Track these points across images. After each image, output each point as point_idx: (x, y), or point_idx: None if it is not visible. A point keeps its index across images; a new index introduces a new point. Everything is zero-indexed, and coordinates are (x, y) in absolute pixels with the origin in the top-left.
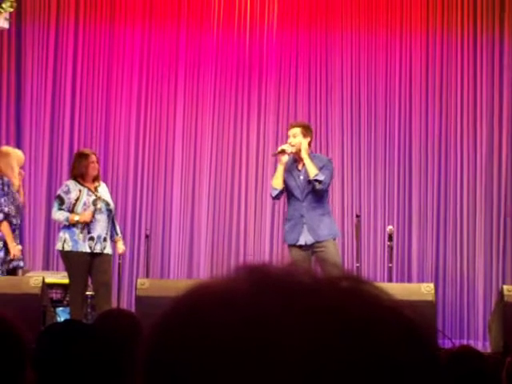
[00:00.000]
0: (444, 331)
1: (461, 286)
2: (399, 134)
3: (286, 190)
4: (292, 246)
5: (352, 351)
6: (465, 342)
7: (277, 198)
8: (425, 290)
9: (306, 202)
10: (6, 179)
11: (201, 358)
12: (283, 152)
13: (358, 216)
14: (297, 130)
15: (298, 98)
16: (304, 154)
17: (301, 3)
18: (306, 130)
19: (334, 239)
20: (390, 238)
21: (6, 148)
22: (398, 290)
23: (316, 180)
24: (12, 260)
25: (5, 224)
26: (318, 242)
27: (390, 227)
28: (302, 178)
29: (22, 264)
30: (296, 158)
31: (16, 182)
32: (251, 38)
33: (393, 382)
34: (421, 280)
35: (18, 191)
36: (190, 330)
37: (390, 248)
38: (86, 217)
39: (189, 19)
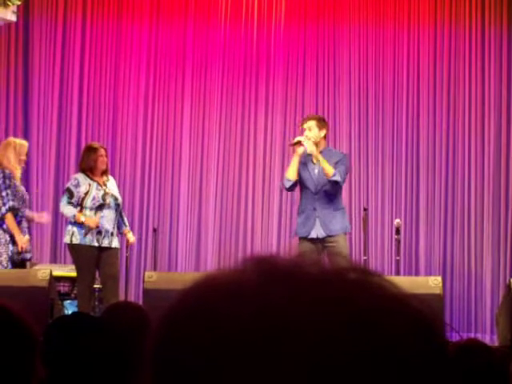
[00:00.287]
0: (451, 324)
1: (468, 279)
2: (407, 128)
3: (300, 182)
4: (303, 238)
5: (359, 342)
6: (472, 335)
7: (290, 189)
8: (432, 284)
9: (320, 196)
10: (7, 172)
11: (209, 349)
12: (299, 143)
13: (365, 209)
14: (312, 123)
15: (305, 94)
16: (317, 155)
17: None
18: (321, 123)
19: (345, 234)
20: (398, 231)
21: (5, 140)
22: (405, 283)
23: (333, 181)
24: (20, 252)
25: (9, 217)
26: (329, 237)
27: (398, 220)
28: (316, 171)
29: (28, 256)
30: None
31: (17, 173)
32: (259, 33)
33: (400, 374)
34: (428, 273)
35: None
36: (197, 321)
37: (398, 241)
38: (92, 223)
39: (196, 15)
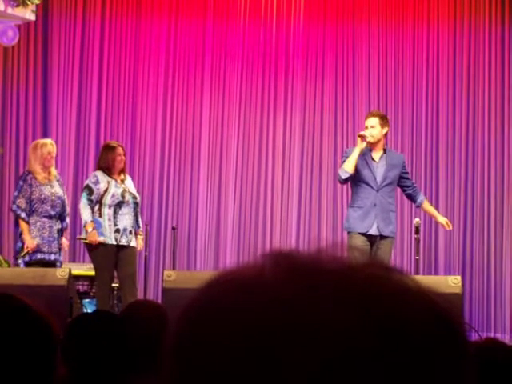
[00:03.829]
0: (471, 324)
1: (488, 278)
2: (426, 126)
3: (357, 177)
4: (358, 233)
5: (379, 337)
6: (492, 334)
7: (345, 181)
8: (452, 283)
9: (381, 194)
10: (25, 173)
11: (228, 346)
12: (364, 137)
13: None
14: (375, 121)
15: (324, 90)
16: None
17: None
18: (384, 120)
19: (394, 238)
20: (417, 230)
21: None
22: (424, 282)
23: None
24: (27, 253)
25: (19, 218)
26: (381, 237)
27: (417, 220)
28: (379, 169)
29: (51, 257)
30: (371, 148)
31: (38, 175)
32: (278, 30)
33: (421, 370)
34: (448, 272)
35: (49, 182)
36: (216, 318)
37: (417, 240)
38: (92, 238)
39: (215, 12)
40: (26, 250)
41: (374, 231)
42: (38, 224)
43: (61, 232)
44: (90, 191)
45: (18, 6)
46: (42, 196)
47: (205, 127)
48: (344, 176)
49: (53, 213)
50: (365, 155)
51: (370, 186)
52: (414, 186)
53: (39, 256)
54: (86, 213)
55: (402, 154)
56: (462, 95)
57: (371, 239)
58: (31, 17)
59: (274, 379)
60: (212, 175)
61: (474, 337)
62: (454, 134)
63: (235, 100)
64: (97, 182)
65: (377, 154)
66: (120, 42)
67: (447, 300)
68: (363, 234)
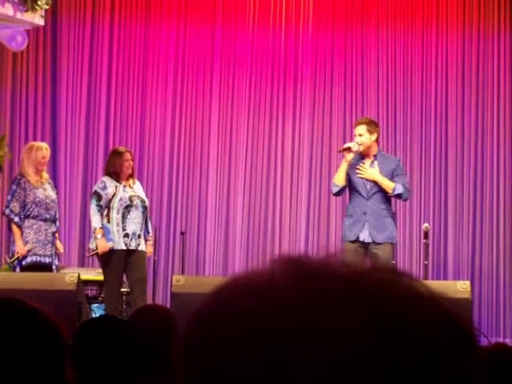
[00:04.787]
0: (480, 329)
1: (497, 283)
2: (435, 131)
3: (350, 186)
4: (350, 242)
5: (388, 342)
6: (501, 339)
7: (337, 194)
8: (461, 288)
9: (371, 202)
10: (18, 177)
11: (238, 350)
12: (349, 149)
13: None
14: (362, 129)
15: (333, 97)
16: (376, 176)
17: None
18: (372, 126)
19: (392, 244)
20: (426, 235)
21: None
22: (433, 287)
23: (396, 196)
24: (18, 258)
25: (12, 222)
26: (374, 243)
27: (426, 225)
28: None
29: (46, 260)
30: (363, 155)
31: (31, 177)
32: (286, 36)
33: (430, 374)
34: (457, 278)
35: (41, 185)
36: (226, 323)
37: (426, 245)
38: (101, 248)
39: (224, 18)
40: (16, 256)
41: (366, 238)
42: (35, 227)
43: (54, 235)
44: (99, 197)
45: (26, 11)
46: (37, 199)
47: (213, 133)
48: (334, 190)
49: (47, 216)
50: (357, 163)
51: (360, 194)
52: (404, 186)
53: (34, 259)
54: (95, 219)
55: (397, 156)
56: (471, 101)
57: (365, 246)
58: (40, 22)
59: (285, 382)
60: (221, 180)
61: (483, 342)
62: (463, 141)
63: (244, 106)
64: (104, 188)
65: (368, 161)
66: (129, 47)
67: (457, 304)
68: (355, 242)
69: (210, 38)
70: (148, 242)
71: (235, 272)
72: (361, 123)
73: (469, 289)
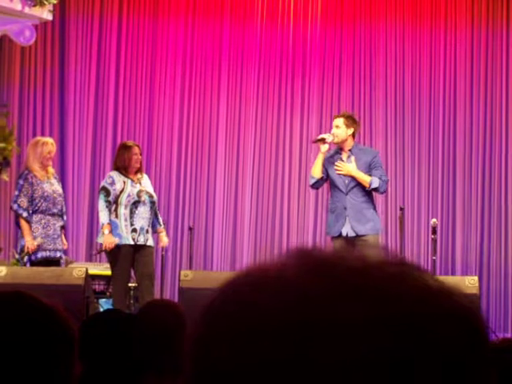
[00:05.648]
0: (488, 324)
1: (505, 278)
2: (443, 127)
3: (329, 181)
4: (335, 238)
5: (401, 335)
6: (509, 335)
7: (314, 186)
8: (469, 283)
9: (350, 196)
10: (25, 172)
11: (249, 345)
12: (323, 140)
13: (401, 209)
14: (340, 121)
15: (341, 92)
16: (353, 171)
17: None
18: (349, 121)
19: (377, 234)
20: (434, 230)
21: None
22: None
23: (373, 189)
24: (28, 253)
25: (21, 217)
26: (358, 236)
27: (434, 220)
28: None
29: (56, 254)
30: (340, 149)
31: (37, 172)
32: (295, 33)
33: (442, 367)
34: (465, 273)
35: (48, 179)
36: (237, 318)
37: (434, 241)
38: (108, 243)
39: (232, 14)
40: (26, 251)
41: (349, 232)
42: (43, 221)
43: (61, 229)
44: (107, 192)
45: (35, 5)
46: (45, 194)
47: (221, 128)
48: (311, 181)
49: (55, 210)
50: (335, 158)
51: (339, 188)
52: (381, 179)
53: (44, 254)
54: (103, 215)
55: (376, 149)
56: (480, 97)
57: (347, 241)
58: (48, 16)
59: (296, 376)
60: (229, 176)
61: (491, 337)
62: (471, 136)
63: (252, 102)
64: (112, 183)
65: (345, 155)
66: (137, 42)
67: (467, 297)
68: (338, 237)
69: (219, 34)
70: (161, 234)
71: (243, 267)
72: (339, 116)
73: (477, 284)
